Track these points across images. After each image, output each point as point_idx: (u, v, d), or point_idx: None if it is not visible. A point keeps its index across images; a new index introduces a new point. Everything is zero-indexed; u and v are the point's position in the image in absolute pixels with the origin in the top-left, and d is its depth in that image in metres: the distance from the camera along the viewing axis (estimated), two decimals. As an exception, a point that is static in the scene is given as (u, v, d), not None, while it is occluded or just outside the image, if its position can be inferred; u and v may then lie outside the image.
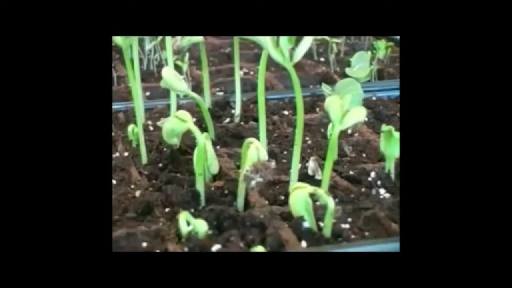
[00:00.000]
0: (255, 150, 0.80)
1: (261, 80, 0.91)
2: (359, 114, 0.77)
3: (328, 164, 0.81)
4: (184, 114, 0.89)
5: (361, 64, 1.01)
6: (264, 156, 0.80)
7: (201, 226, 0.76)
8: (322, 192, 0.75)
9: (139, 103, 1.04)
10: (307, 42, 0.75)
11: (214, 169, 0.92)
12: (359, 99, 0.90)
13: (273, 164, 0.79)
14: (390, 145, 0.90)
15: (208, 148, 0.88)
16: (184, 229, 0.76)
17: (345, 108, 0.77)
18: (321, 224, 0.79)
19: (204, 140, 0.84)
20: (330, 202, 0.75)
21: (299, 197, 0.77)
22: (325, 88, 0.95)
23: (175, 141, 0.95)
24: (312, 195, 0.77)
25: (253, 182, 0.78)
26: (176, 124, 0.88)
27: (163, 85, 0.97)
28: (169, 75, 0.95)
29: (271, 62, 1.36)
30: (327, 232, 0.78)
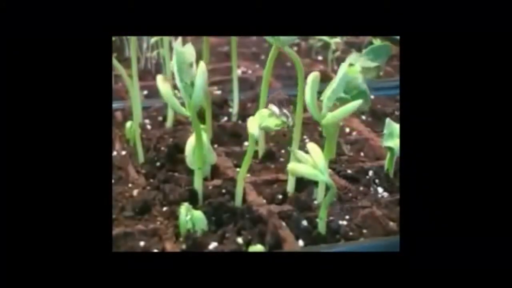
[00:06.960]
0: (267, 110, 0.80)
1: (266, 79, 0.90)
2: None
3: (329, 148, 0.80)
4: None
5: (377, 60, 0.93)
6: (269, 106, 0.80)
7: (200, 218, 0.77)
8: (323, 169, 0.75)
9: (136, 102, 1.03)
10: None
11: (211, 159, 0.92)
12: (365, 96, 0.82)
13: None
14: (392, 143, 0.90)
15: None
16: (183, 220, 0.76)
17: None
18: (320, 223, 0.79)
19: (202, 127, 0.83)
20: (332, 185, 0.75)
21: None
22: None
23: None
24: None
25: (290, 119, 0.79)
26: None
27: (174, 60, 0.91)
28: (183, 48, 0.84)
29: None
30: (321, 226, 0.78)
